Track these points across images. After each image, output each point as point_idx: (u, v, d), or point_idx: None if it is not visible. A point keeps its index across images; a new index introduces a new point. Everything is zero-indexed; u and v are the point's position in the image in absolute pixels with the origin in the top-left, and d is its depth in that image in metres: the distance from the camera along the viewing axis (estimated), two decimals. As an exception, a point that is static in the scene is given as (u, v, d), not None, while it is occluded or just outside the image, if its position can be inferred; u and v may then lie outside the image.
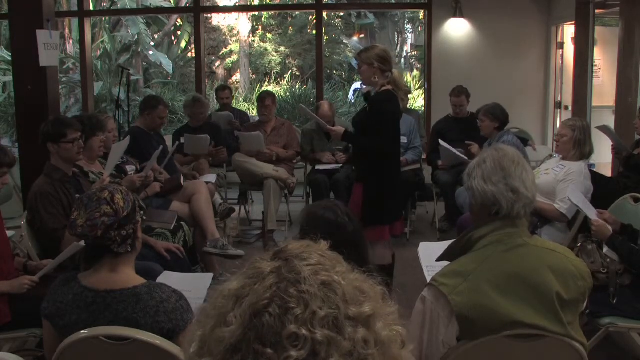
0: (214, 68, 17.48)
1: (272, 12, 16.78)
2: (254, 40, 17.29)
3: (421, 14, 12.08)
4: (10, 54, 7.40)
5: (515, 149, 4.43)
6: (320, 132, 5.88)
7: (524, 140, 5.60)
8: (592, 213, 3.15)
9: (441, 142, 5.36)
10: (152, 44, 14.51)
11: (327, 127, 4.27)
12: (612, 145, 4.91)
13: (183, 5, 14.21)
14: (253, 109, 12.47)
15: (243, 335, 0.88)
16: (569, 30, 7.31)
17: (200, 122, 5.86)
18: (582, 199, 3.32)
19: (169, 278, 2.75)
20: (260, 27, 17.56)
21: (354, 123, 4.04)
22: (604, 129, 4.86)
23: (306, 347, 0.85)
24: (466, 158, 5.04)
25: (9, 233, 3.25)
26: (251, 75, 17.10)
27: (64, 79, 12.42)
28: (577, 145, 3.87)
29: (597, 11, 6.61)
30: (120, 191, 2.04)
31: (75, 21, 11.12)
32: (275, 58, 16.99)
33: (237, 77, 17.07)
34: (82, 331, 1.88)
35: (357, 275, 0.97)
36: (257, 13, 16.42)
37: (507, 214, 1.91)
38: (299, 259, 0.94)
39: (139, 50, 13.86)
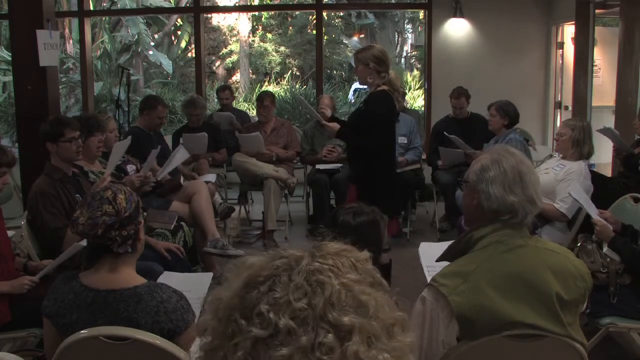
0: (214, 68, 17.47)
1: (272, 12, 16.76)
2: (254, 40, 17.28)
3: (421, 14, 12.06)
4: (10, 54, 7.39)
5: (521, 148, 4.42)
6: (320, 127, 5.88)
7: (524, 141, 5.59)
8: (592, 211, 3.15)
9: (441, 148, 5.39)
10: (152, 44, 14.51)
11: (322, 121, 4.27)
12: (614, 146, 4.91)
13: (183, 5, 14.20)
14: (253, 109, 12.47)
15: (230, 301, 0.94)
16: (569, 30, 7.31)
17: (197, 123, 5.85)
18: (584, 196, 3.31)
19: (170, 278, 2.76)
20: (260, 27, 17.54)
21: (350, 122, 4.05)
22: (605, 131, 4.83)
23: (268, 329, 0.89)
24: (470, 149, 5.03)
25: (9, 233, 3.25)
26: (251, 75, 17.09)
27: (64, 79, 12.41)
28: (576, 144, 3.88)
29: (597, 11, 6.61)
30: (124, 191, 2.05)
31: (75, 21, 11.12)
32: (275, 58, 16.98)
33: (237, 77, 17.06)
34: (82, 331, 1.88)
35: (377, 294, 0.95)
36: (257, 13, 16.40)
37: (517, 222, 1.91)
38: (319, 257, 0.96)
39: (139, 50, 13.85)
